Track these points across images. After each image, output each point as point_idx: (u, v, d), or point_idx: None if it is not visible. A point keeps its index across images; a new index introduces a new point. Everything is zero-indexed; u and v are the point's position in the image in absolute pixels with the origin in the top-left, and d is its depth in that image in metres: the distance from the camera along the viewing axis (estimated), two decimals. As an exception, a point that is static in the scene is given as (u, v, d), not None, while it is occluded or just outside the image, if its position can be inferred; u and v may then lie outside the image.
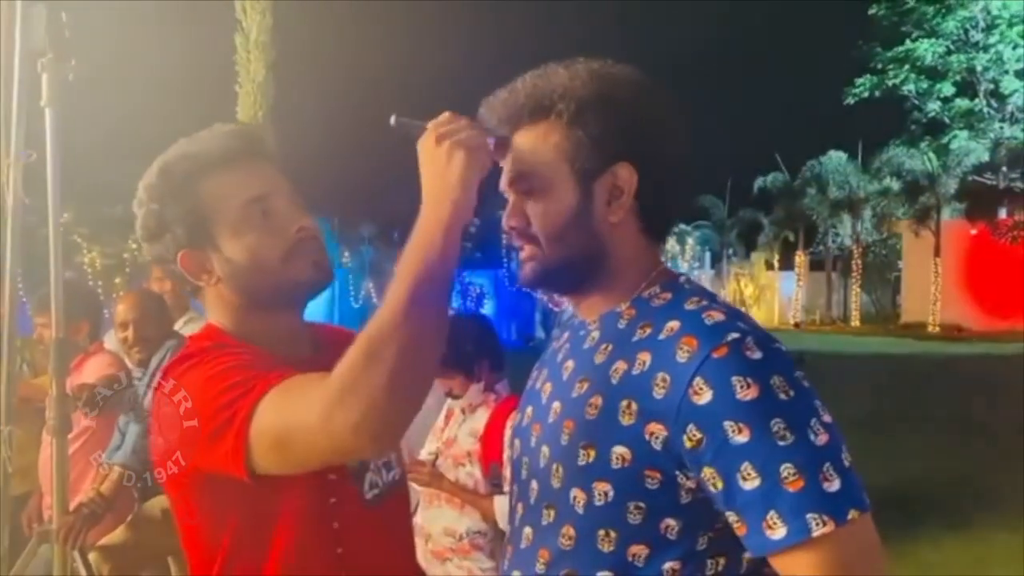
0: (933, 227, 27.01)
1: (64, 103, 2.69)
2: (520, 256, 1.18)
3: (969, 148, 27.99)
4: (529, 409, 1.25)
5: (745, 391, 0.98)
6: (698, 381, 1.00)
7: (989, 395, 11.65)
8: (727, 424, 0.98)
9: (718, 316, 1.06)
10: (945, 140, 29.46)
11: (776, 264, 32.94)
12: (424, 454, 2.83)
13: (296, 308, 1.33)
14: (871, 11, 31.82)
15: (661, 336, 1.06)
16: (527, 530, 1.17)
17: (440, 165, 1.08)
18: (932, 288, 26.33)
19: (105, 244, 15.16)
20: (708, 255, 31.76)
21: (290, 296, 1.29)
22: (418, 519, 2.76)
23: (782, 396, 0.98)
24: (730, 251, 33.54)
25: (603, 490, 1.07)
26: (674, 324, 1.06)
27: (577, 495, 1.09)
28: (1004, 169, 27.76)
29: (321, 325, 1.46)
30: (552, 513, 1.12)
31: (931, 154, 28.15)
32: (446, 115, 1.11)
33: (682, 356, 1.02)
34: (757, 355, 1.01)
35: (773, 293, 32.07)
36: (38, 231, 2.77)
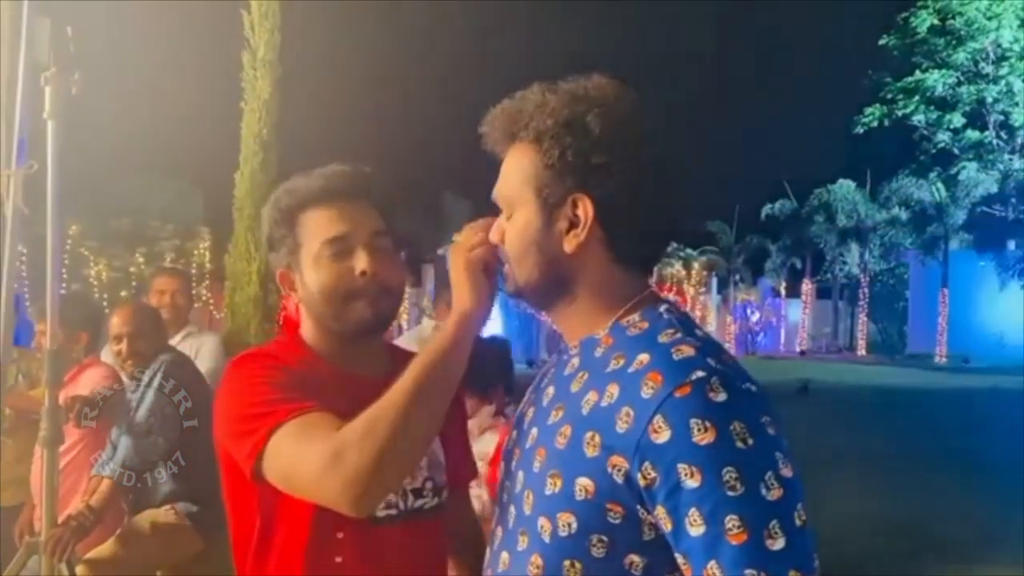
0: (941, 257, 26.94)
1: (67, 116, 2.71)
2: (504, 271, 1.21)
3: (978, 179, 27.94)
4: (514, 433, 1.26)
5: (702, 435, 0.97)
6: (658, 419, 0.99)
7: (995, 430, 11.56)
8: (680, 466, 0.97)
9: (688, 351, 1.04)
10: (954, 171, 29.42)
11: (783, 291, 32.85)
12: None
13: (363, 339, 1.45)
14: (881, 41, 31.95)
15: (631, 369, 1.05)
16: (504, 555, 1.17)
17: (458, 279, 1.23)
18: (939, 319, 26.22)
19: (112, 257, 15.23)
20: (715, 280, 31.65)
21: (348, 331, 1.42)
22: None
23: (739, 444, 0.97)
24: (736, 277, 33.46)
25: (567, 521, 1.06)
26: (644, 357, 1.05)
27: (544, 524, 1.08)
28: (1013, 201, 27.73)
29: (400, 348, 1.57)
30: (525, 540, 1.12)
31: (940, 185, 28.13)
32: (468, 228, 1.25)
33: (646, 392, 1.01)
34: (720, 397, 0.99)
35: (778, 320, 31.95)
36: (44, 243, 2.78)
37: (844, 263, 31.25)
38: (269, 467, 1.25)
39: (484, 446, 2.71)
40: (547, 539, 1.08)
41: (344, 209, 1.44)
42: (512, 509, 1.17)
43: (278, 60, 5.95)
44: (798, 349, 30.30)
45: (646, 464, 0.99)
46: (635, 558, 1.03)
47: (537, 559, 1.09)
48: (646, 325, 1.12)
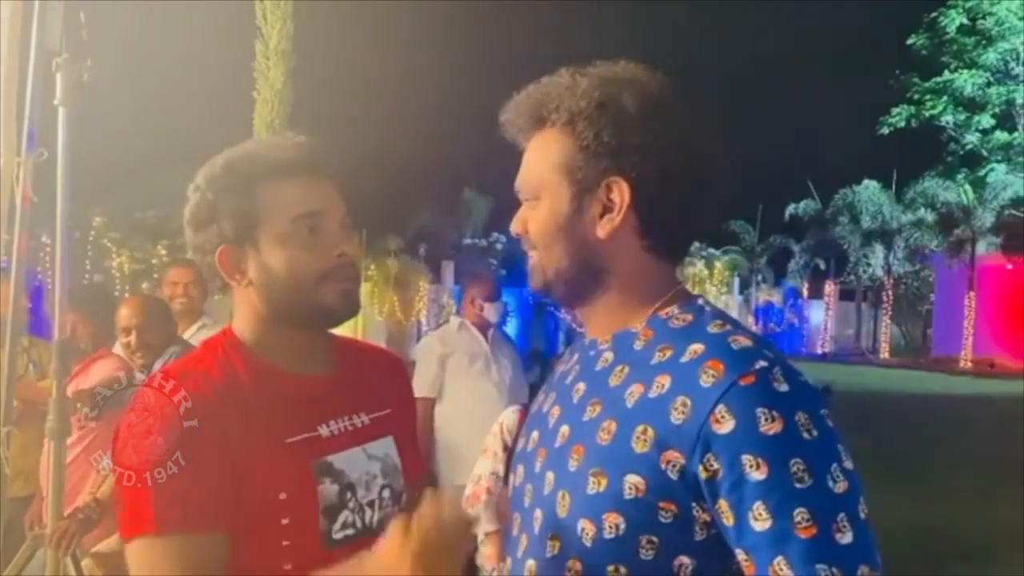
0: (967, 260, 26.59)
1: (78, 103, 2.68)
2: (528, 264, 1.15)
3: (1007, 182, 27.55)
4: (535, 434, 1.19)
5: (769, 424, 0.93)
6: (721, 408, 0.95)
7: (1020, 435, 11.36)
8: (745, 458, 0.93)
9: (745, 341, 1.01)
10: (982, 173, 29.04)
11: (805, 292, 32.58)
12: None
13: (319, 328, 1.33)
14: (909, 41, 31.58)
15: (683, 359, 1.01)
16: (530, 563, 1.10)
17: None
18: (965, 322, 25.89)
19: (135, 249, 15.31)
20: (737, 280, 31.42)
21: (315, 318, 1.29)
22: None
23: (805, 435, 0.94)
24: (759, 277, 33.21)
25: (614, 522, 1.00)
26: (698, 347, 1.01)
27: (585, 526, 1.02)
28: (1042, 204, 27.29)
29: (345, 339, 1.44)
30: (557, 545, 1.06)
31: (967, 186, 27.76)
32: (420, 522, 0.98)
33: (706, 380, 0.97)
34: (784, 387, 0.96)
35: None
36: (71, 234, 2.75)
37: (868, 265, 30.91)
38: (130, 564, 1.12)
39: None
40: (589, 542, 1.02)
41: (314, 184, 1.29)
42: (538, 513, 1.10)
43: (292, 49, 5.93)
44: (820, 351, 30.03)
45: (708, 455, 0.95)
46: (684, 560, 0.99)
47: (576, 564, 1.03)
48: (690, 317, 1.08)
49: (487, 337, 4.27)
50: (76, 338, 3.31)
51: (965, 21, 30.03)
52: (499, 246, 25.51)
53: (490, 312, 4.33)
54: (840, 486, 0.93)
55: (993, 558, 5.71)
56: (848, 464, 0.95)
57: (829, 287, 31.56)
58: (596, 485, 1.01)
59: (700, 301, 1.12)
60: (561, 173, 1.08)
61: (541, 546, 1.08)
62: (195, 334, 3.88)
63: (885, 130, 31.74)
